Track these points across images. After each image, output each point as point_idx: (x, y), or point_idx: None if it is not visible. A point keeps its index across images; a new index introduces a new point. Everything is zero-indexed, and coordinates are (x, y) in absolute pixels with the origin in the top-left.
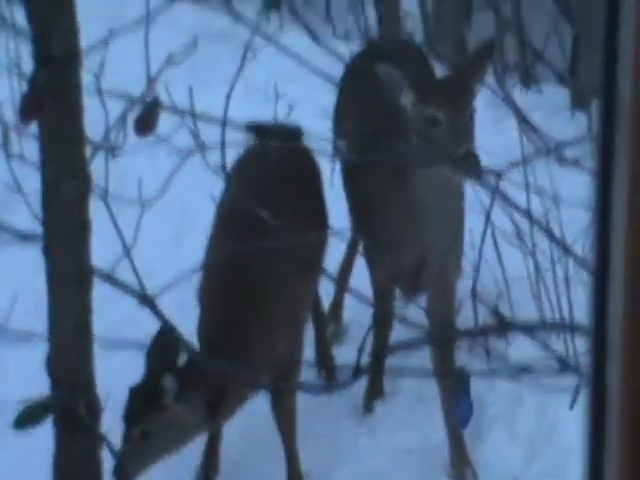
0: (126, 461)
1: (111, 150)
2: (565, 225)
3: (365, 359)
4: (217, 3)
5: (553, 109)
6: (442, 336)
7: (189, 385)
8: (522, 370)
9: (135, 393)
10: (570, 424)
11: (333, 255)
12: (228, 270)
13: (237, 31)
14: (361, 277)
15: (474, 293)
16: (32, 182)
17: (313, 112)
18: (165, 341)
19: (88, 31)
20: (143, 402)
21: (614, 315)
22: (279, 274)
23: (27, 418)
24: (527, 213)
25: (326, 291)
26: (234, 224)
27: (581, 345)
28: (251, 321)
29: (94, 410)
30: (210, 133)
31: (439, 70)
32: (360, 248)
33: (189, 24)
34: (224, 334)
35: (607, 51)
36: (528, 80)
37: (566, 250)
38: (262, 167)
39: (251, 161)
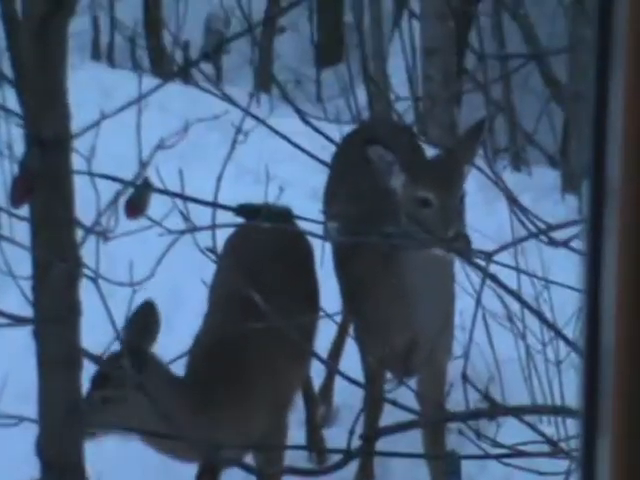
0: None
1: (103, 234)
2: (556, 308)
3: (356, 442)
4: (208, 86)
5: (544, 191)
6: (433, 419)
7: (166, 374)
8: (513, 453)
9: (110, 359)
10: None
11: (324, 336)
12: (217, 344)
13: (228, 114)
14: (352, 359)
15: (465, 376)
16: (23, 265)
17: (304, 193)
18: (146, 315)
19: (79, 114)
20: (114, 369)
21: (605, 398)
22: (266, 354)
23: None
24: (518, 295)
25: (317, 372)
26: (225, 307)
27: (572, 428)
28: (230, 394)
29: None
30: (200, 215)
31: (429, 152)
32: (351, 330)
33: (180, 106)
34: (205, 394)
35: (595, 130)
36: (519, 162)
37: (557, 333)
38: (253, 248)
39: (242, 242)
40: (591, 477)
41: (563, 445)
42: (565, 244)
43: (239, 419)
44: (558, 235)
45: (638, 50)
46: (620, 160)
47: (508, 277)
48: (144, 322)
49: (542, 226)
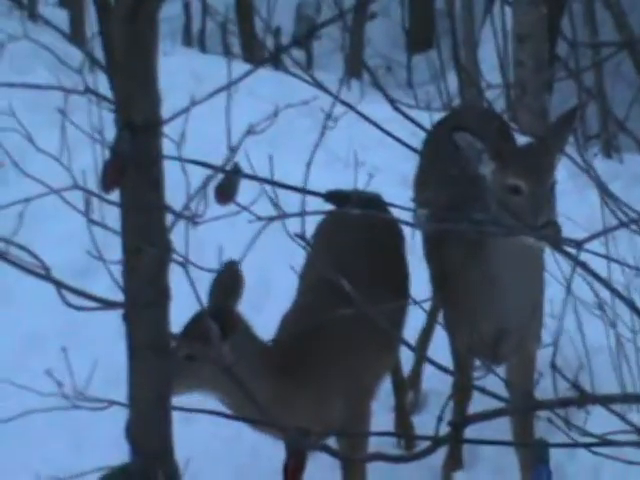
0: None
1: (192, 219)
2: None
3: (444, 429)
4: (298, 71)
5: (635, 178)
6: (522, 407)
7: (252, 337)
8: (602, 442)
9: (196, 318)
10: None
11: (413, 323)
12: (304, 325)
13: (318, 99)
14: (441, 346)
15: (554, 364)
16: (113, 249)
17: (393, 180)
18: (230, 275)
19: (170, 99)
20: (201, 327)
21: None
22: (352, 340)
23: None
24: (608, 283)
25: (406, 359)
26: (314, 291)
27: None
28: (311, 376)
29: (173, 477)
30: (290, 201)
31: (520, 139)
32: (440, 317)
33: (270, 92)
34: (287, 371)
35: None
36: (610, 149)
37: None
38: (343, 235)
39: (332, 229)
40: None
41: None
42: None
43: (317, 401)
44: None
45: None
46: None
47: (599, 265)
48: (229, 283)
49: (633, 215)
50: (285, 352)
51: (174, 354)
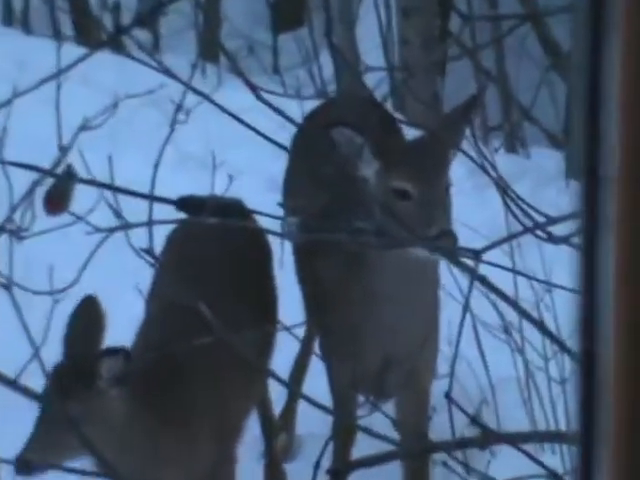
0: (34, 449)
1: (16, 233)
2: (560, 316)
3: (323, 477)
4: (142, 55)
5: (544, 177)
6: (414, 449)
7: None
8: None
9: (59, 371)
10: None
11: (284, 353)
12: (154, 362)
13: (167, 88)
14: (318, 379)
15: (450, 397)
16: None
17: (258, 183)
18: (87, 313)
19: None
20: (70, 382)
21: (603, 419)
22: (212, 374)
23: None
24: (514, 301)
25: (277, 396)
26: (164, 318)
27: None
28: (168, 421)
29: None
30: (134, 210)
31: (408, 133)
32: (316, 345)
33: (109, 80)
34: (140, 419)
35: (589, 106)
36: (514, 142)
37: (561, 345)
38: (198, 249)
39: (184, 242)
40: None
41: (568, 478)
42: (567, 240)
43: (179, 450)
44: (560, 230)
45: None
46: (618, 141)
47: (503, 280)
48: (87, 323)
49: (541, 219)
50: (138, 395)
51: (41, 423)
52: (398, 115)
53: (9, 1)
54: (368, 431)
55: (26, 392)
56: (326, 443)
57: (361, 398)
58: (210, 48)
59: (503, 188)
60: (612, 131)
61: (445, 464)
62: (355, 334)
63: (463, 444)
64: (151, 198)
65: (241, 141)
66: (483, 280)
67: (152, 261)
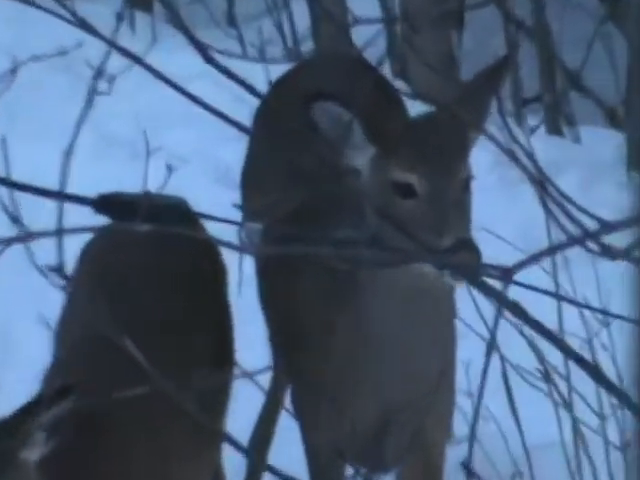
0: None
1: None
2: (621, 357)
3: None
4: (50, 3)
5: (599, 167)
6: None
7: None
8: None
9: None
10: None
11: (244, 407)
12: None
13: (82, 48)
14: (289, 443)
15: (470, 469)
16: None
17: (206, 175)
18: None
19: None
20: None
21: None
22: (144, 436)
23: None
24: (557, 338)
25: (233, 465)
26: (80, 358)
27: None
28: None
29: None
30: (39, 213)
31: (411, 107)
32: (287, 398)
33: (3, 38)
34: None
35: None
36: (558, 120)
37: (622, 398)
38: (124, 265)
39: (106, 255)
40: None
41: None
42: (629, 253)
43: None
44: (620, 240)
45: None
46: None
47: (542, 308)
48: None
49: (594, 225)
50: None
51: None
52: (399, 83)
53: None
54: None
55: None
56: None
57: (350, 469)
58: None
59: (541, 183)
60: None
61: None
62: (340, 382)
63: None
64: (61, 197)
65: (183, 120)
66: (515, 308)
67: (62, 283)
